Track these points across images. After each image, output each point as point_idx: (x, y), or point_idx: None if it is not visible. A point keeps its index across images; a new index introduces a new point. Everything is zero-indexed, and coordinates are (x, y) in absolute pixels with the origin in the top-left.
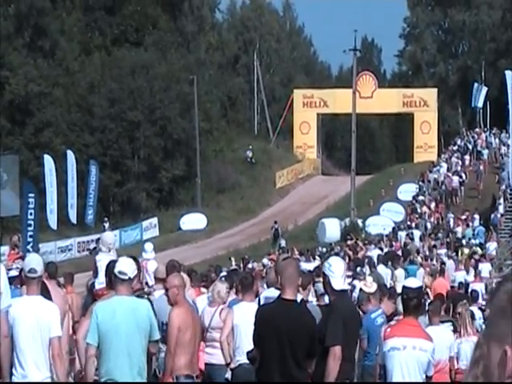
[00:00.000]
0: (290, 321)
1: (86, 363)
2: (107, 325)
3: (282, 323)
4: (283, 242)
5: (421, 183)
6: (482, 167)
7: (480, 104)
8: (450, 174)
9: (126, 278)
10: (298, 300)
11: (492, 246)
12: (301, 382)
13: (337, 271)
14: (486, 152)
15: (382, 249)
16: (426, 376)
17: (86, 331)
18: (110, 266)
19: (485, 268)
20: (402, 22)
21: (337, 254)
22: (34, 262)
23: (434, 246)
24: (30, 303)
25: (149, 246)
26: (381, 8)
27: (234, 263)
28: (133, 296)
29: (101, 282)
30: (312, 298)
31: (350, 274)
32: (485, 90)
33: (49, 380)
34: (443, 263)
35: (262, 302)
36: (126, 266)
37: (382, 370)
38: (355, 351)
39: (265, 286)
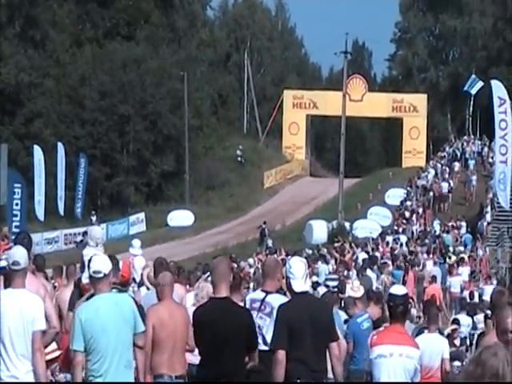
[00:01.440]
0: (223, 318)
1: (75, 370)
2: (92, 324)
3: (215, 321)
4: (270, 242)
5: (408, 188)
6: (474, 177)
7: (473, 92)
8: (437, 180)
9: (102, 275)
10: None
11: (481, 251)
12: (239, 377)
13: (297, 273)
14: (472, 162)
15: (368, 252)
16: (413, 383)
17: None
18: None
19: (465, 272)
20: (393, 27)
21: (323, 256)
22: (18, 254)
23: (411, 253)
24: (13, 296)
25: (136, 242)
26: (372, 12)
27: None
28: (113, 291)
29: (87, 277)
30: None
31: (335, 276)
32: (480, 83)
33: (31, 374)
34: (408, 262)
35: (247, 304)
36: (98, 265)
37: (369, 376)
38: (316, 354)
39: (252, 285)
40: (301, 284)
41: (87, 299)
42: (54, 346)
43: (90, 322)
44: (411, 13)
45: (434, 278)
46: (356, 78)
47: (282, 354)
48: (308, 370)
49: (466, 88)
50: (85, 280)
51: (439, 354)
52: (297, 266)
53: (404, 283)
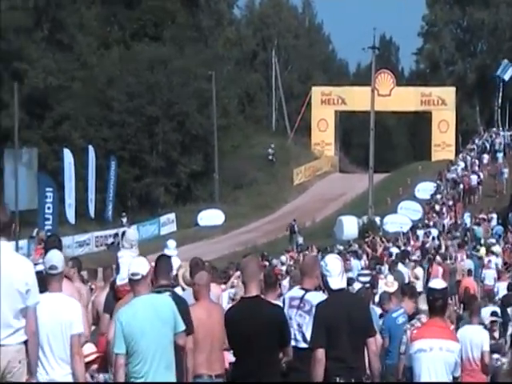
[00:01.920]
0: (253, 317)
1: (117, 373)
2: (131, 327)
3: (246, 321)
4: (301, 239)
5: (438, 182)
6: (506, 169)
7: (506, 77)
8: (466, 173)
9: (140, 277)
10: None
11: None
12: (273, 375)
13: (333, 270)
14: (500, 155)
15: (399, 247)
16: (453, 377)
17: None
18: None
19: (494, 263)
20: (420, 20)
21: (355, 252)
22: (55, 258)
23: (440, 246)
24: (51, 300)
25: (171, 243)
26: (399, 6)
27: None
28: (152, 293)
29: (122, 278)
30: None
31: (367, 272)
32: None
33: (70, 376)
34: (438, 255)
35: (286, 303)
36: (136, 267)
37: (409, 372)
38: (354, 351)
39: (284, 283)
40: (337, 281)
41: None
42: (92, 348)
43: (128, 325)
44: (438, 6)
45: (469, 272)
46: (384, 72)
47: (321, 353)
48: (346, 367)
49: (498, 73)
50: (119, 282)
51: (480, 346)
52: (333, 264)
53: (429, 276)
